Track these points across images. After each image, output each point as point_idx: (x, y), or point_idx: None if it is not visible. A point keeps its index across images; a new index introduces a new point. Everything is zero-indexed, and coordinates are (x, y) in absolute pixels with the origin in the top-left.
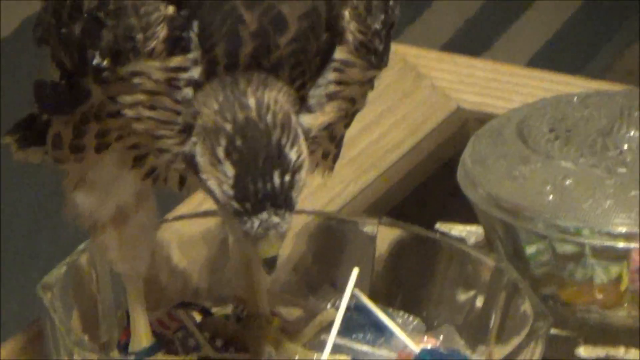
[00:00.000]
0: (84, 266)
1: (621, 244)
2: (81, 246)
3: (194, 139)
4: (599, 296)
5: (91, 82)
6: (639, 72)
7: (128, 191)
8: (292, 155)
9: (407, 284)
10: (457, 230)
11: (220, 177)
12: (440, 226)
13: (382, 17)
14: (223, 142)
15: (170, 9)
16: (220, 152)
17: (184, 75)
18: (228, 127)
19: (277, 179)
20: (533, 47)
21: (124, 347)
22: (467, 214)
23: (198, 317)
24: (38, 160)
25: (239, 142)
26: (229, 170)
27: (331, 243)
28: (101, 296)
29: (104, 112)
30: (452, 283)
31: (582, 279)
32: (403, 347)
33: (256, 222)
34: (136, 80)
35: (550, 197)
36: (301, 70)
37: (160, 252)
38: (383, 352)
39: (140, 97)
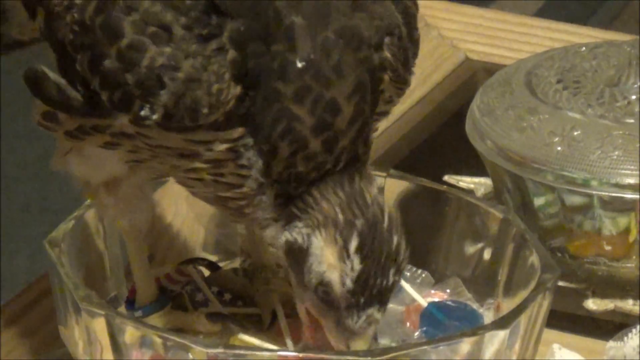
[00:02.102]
0: (91, 221)
1: (629, 195)
2: (88, 201)
3: (304, 230)
4: (607, 248)
5: (125, 119)
6: None
7: (119, 164)
8: (404, 253)
9: (415, 236)
10: (466, 182)
11: (345, 270)
12: (449, 178)
13: (415, 59)
14: (355, 237)
15: (239, 89)
16: (353, 247)
17: (243, 142)
18: (359, 223)
19: (391, 277)
20: None
21: (131, 303)
22: (476, 166)
23: (206, 272)
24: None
25: (369, 239)
26: (357, 264)
27: None
28: (108, 252)
29: (122, 137)
30: (459, 236)
31: (590, 230)
32: (411, 301)
33: (363, 317)
34: (189, 145)
35: (559, 148)
36: (368, 138)
37: (168, 208)
38: (391, 306)
39: (201, 165)
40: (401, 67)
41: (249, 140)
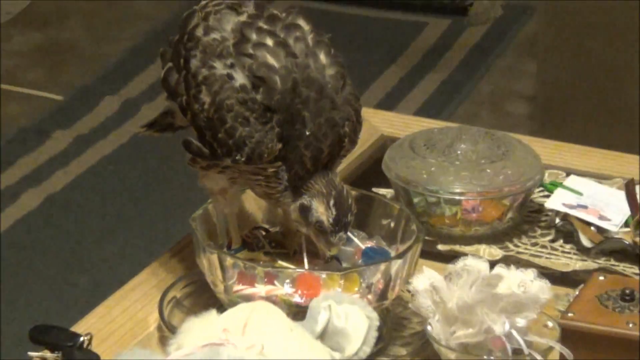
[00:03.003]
0: (211, 209)
1: (457, 197)
2: (210, 200)
3: (307, 198)
4: (447, 222)
5: (228, 160)
6: (468, 116)
7: (226, 181)
8: (354, 207)
9: (359, 216)
10: (382, 191)
11: (328, 215)
12: (375, 189)
13: (360, 131)
14: (331, 200)
15: (280, 145)
16: (331, 204)
17: (281, 168)
18: (333, 193)
19: (349, 218)
20: (418, 103)
21: (229, 247)
22: (387, 184)
23: (263, 233)
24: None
25: (339, 200)
26: (334, 211)
27: None
28: (218, 223)
29: (227, 168)
30: (379, 216)
31: (439, 214)
32: (357, 247)
33: (337, 237)
34: (257, 170)
35: (424, 175)
36: (334, 162)
37: (246, 204)
38: (348, 249)
39: (260, 177)
40: (353, 135)
41: (284, 167)
